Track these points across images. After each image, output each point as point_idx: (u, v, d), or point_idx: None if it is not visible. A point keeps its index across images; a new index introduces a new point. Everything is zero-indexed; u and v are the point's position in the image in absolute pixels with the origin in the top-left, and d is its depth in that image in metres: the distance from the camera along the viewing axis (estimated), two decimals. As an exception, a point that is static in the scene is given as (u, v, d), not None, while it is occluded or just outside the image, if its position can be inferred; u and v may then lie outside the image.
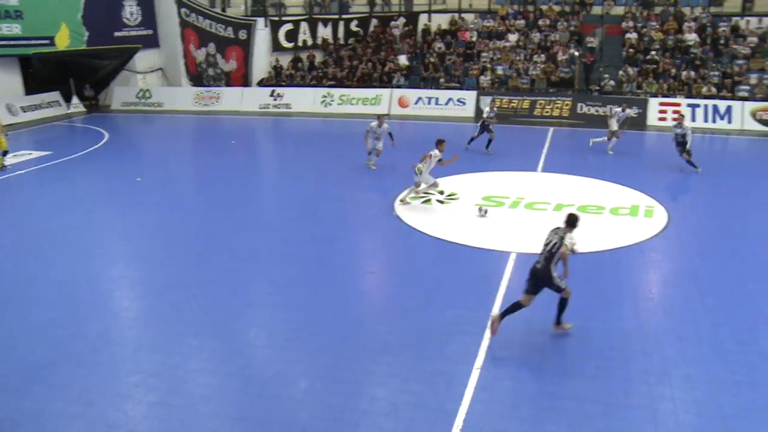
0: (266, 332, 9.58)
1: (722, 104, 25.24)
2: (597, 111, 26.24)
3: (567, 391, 7.88)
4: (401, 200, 15.30)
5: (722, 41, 28.07)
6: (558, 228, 9.02)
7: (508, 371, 8.30)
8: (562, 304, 9.13)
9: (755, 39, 27.69)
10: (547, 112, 26.71)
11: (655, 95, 26.38)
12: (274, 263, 12.05)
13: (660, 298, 10.69)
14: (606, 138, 20.62)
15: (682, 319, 9.73)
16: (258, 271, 11.65)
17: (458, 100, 28.05)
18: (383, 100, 28.69)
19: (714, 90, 26.16)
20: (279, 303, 10.48)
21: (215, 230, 13.87)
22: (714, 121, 25.01)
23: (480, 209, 14.46)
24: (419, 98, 28.52)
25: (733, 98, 25.65)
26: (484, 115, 20.52)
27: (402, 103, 28.48)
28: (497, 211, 14.75)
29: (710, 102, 25.41)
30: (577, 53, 28.63)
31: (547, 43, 29.85)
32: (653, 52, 28.08)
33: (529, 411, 7.51)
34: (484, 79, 28.81)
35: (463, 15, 32.49)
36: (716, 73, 26.70)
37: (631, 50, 28.42)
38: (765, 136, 24.15)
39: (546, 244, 8.93)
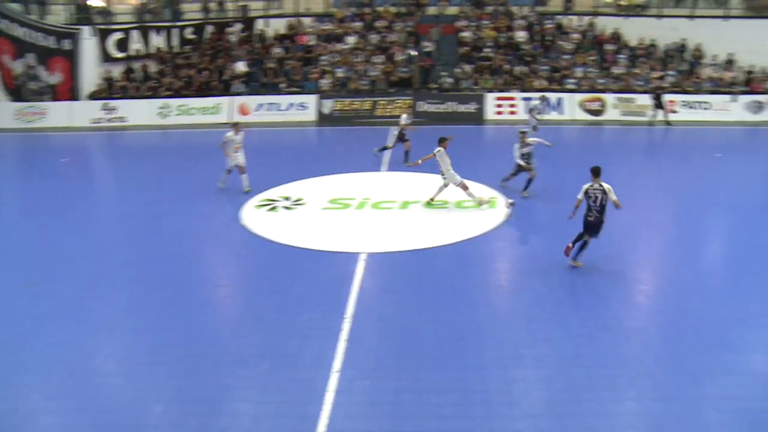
0: (114, 360, 8.97)
1: (553, 96, 27.04)
2: (437, 108, 27.33)
3: (425, 383, 8.02)
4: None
5: (549, 38, 30.03)
6: (591, 185, 10.87)
7: (366, 371, 8.32)
8: (585, 245, 11.20)
9: (578, 35, 29.87)
10: (388, 111, 27.22)
11: (491, 90, 27.70)
12: (117, 286, 11.33)
13: (509, 284, 11.20)
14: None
15: (530, 302, 10.24)
16: (100, 297, 10.89)
17: (300, 105, 28.03)
18: (223, 109, 28.00)
19: (545, 83, 27.91)
20: (126, 328, 9.87)
21: (50, 257, 12.83)
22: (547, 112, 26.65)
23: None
24: (260, 105, 28.15)
25: (562, 90, 27.60)
26: (402, 122, 19.59)
27: (243, 111, 27.89)
28: (343, 213, 14.80)
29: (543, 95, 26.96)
30: (414, 53, 29.36)
31: (385, 44, 30.41)
32: (487, 50, 29.47)
33: (390, 407, 7.56)
34: (325, 83, 28.84)
35: (300, 19, 32.35)
36: (546, 67, 28.58)
37: (466, 48, 29.62)
38: (592, 124, 26.57)
39: (594, 200, 10.84)
